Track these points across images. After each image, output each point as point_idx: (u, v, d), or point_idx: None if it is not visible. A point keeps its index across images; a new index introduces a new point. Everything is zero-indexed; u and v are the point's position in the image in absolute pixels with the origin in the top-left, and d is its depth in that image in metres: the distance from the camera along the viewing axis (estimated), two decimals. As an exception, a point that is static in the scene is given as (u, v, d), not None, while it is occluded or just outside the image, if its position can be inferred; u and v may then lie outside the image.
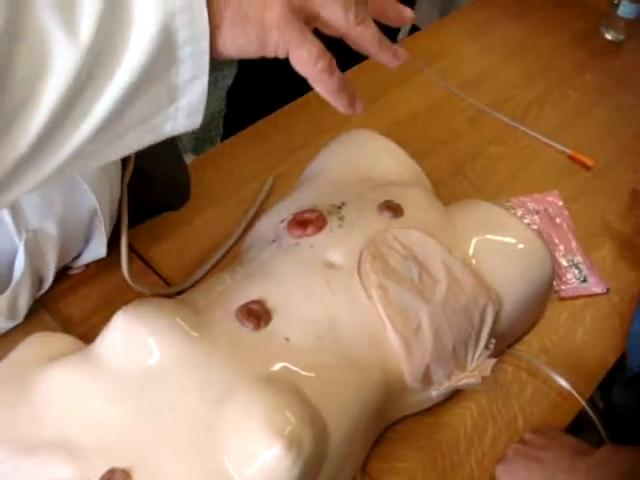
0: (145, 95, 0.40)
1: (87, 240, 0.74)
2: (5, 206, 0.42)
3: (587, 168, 1.02)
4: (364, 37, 0.44)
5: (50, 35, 0.36)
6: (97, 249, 0.74)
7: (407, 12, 0.47)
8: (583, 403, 0.74)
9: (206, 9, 0.38)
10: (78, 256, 0.76)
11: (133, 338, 0.59)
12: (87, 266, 0.77)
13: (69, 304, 0.75)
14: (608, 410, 0.89)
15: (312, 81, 0.43)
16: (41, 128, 0.38)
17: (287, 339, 0.61)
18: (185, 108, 0.42)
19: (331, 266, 0.66)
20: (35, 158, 0.39)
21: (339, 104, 0.45)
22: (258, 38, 0.41)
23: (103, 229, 0.71)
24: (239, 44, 0.41)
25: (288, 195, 0.80)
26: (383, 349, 0.64)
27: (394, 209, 0.71)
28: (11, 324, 0.71)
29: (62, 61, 0.36)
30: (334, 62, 0.43)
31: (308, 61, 0.42)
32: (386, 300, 0.64)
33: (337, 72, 0.43)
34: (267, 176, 0.92)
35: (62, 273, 0.75)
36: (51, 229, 0.67)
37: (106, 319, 0.61)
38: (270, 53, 0.42)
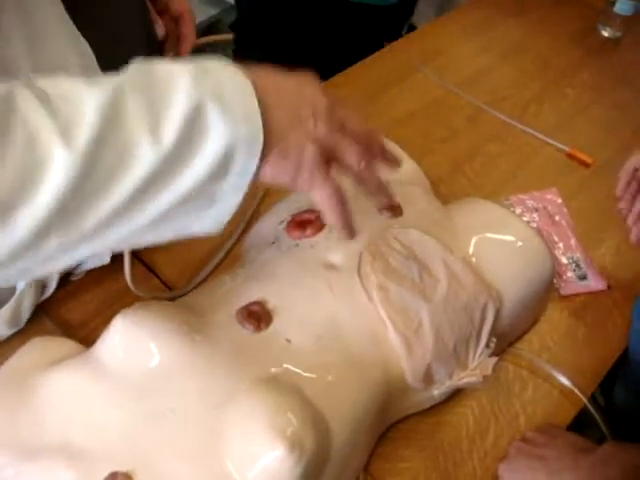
0: (192, 203, 0.46)
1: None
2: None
3: (586, 165, 1.02)
4: (369, 181, 0.54)
5: (134, 140, 0.41)
6: (101, 256, 0.74)
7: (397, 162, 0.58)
8: (585, 401, 0.74)
9: (262, 144, 0.45)
10: (81, 262, 0.76)
11: (133, 341, 0.59)
12: (87, 271, 0.77)
13: (69, 308, 0.75)
14: (609, 407, 0.89)
15: (327, 211, 0.52)
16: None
17: (288, 340, 0.61)
18: (216, 216, 0.48)
19: (331, 267, 0.66)
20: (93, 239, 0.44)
21: (343, 232, 0.54)
22: (294, 173, 0.49)
23: None
24: (276, 176, 0.49)
25: (287, 196, 0.80)
26: (384, 349, 0.64)
27: (393, 209, 0.71)
28: (12, 330, 0.71)
29: (144, 160, 0.42)
30: (345, 198, 0.52)
31: (328, 196, 0.50)
32: (387, 300, 0.64)
33: (347, 205, 0.52)
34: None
35: (62, 278, 0.75)
36: None
37: (106, 323, 0.61)
38: (297, 188, 0.50)
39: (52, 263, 0.45)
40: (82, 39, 0.60)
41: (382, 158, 0.56)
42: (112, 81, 0.42)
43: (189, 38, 0.76)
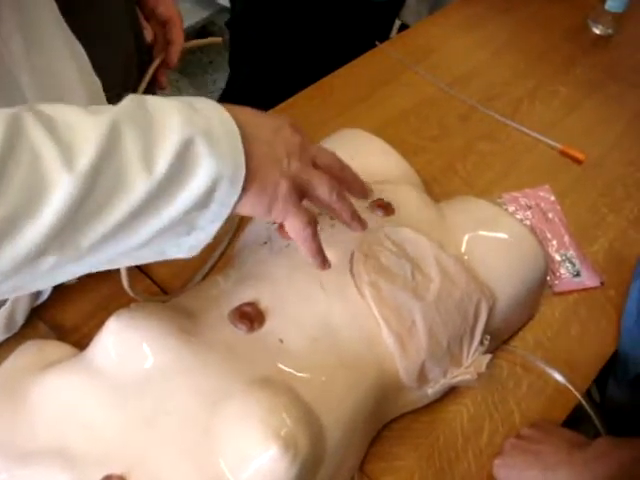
0: (174, 230, 0.49)
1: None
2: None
3: (578, 162, 1.02)
4: (342, 210, 0.58)
5: (129, 169, 0.45)
6: None
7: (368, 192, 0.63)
8: (579, 397, 0.74)
9: (243, 179, 0.49)
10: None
11: (127, 343, 0.59)
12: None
13: (62, 311, 0.75)
14: (605, 403, 0.89)
15: (299, 242, 0.56)
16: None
17: (281, 340, 0.61)
18: (194, 243, 0.51)
19: (324, 266, 0.66)
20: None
21: (315, 261, 0.58)
22: (268, 206, 0.53)
23: None
24: (253, 208, 0.52)
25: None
26: (378, 348, 0.64)
27: (385, 207, 0.71)
28: (7, 335, 0.71)
29: (137, 190, 0.45)
30: (316, 229, 0.56)
31: (299, 228, 0.55)
32: (379, 299, 0.64)
33: (317, 237, 0.57)
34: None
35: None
36: None
37: (100, 326, 0.61)
38: (272, 218, 0.54)
39: (44, 281, 0.48)
40: (77, 42, 0.61)
41: (353, 188, 0.61)
42: (111, 112, 0.46)
43: (177, 42, 0.77)
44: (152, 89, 0.76)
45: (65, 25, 0.59)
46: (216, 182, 0.47)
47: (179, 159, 0.46)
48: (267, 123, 0.54)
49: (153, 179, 0.45)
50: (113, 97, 0.51)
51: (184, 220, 0.48)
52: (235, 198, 0.49)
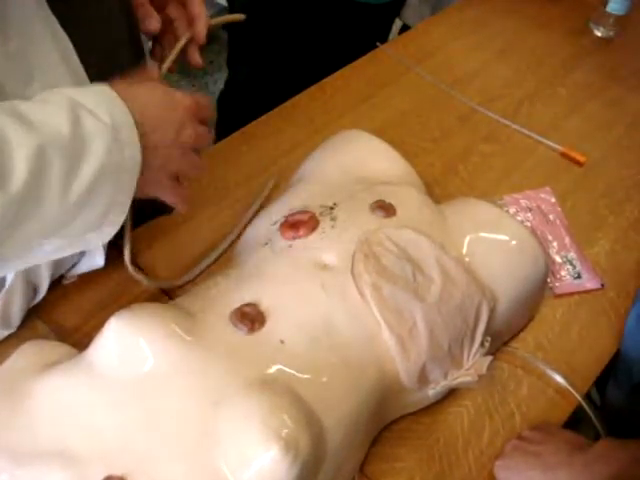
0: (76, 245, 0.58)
1: (83, 251, 0.74)
2: None
3: (579, 164, 1.02)
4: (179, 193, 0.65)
5: (50, 193, 0.50)
6: (95, 260, 0.74)
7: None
8: (579, 399, 0.74)
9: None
10: (74, 265, 0.75)
11: (127, 343, 0.59)
12: (79, 274, 0.77)
13: (62, 312, 0.75)
14: (604, 405, 0.89)
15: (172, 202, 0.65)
16: None
17: (282, 341, 0.61)
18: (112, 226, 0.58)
19: (324, 267, 0.66)
20: None
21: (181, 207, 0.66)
22: (154, 192, 0.61)
23: None
24: (146, 194, 0.60)
25: (280, 197, 0.80)
26: (379, 349, 0.64)
27: (386, 209, 0.71)
28: (4, 333, 0.71)
29: (50, 212, 0.51)
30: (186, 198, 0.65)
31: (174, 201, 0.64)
32: (380, 300, 0.64)
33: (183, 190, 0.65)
34: (258, 178, 0.92)
35: (54, 281, 0.75)
36: None
37: (99, 326, 0.61)
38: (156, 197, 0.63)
39: None
40: (57, 24, 0.59)
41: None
42: (42, 134, 0.49)
43: (202, 17, 0.73)
44: (188, 70, 0.76)
45: (56, 22, 0.58)
46: (110, 208, 0.55)
47: (90, 190, 0.52)
48: (170, 123, 0.59)
49: (65, 204, 0.51)
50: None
51: (80, 240, 0.56)
52: (122, 219, 0.57)
